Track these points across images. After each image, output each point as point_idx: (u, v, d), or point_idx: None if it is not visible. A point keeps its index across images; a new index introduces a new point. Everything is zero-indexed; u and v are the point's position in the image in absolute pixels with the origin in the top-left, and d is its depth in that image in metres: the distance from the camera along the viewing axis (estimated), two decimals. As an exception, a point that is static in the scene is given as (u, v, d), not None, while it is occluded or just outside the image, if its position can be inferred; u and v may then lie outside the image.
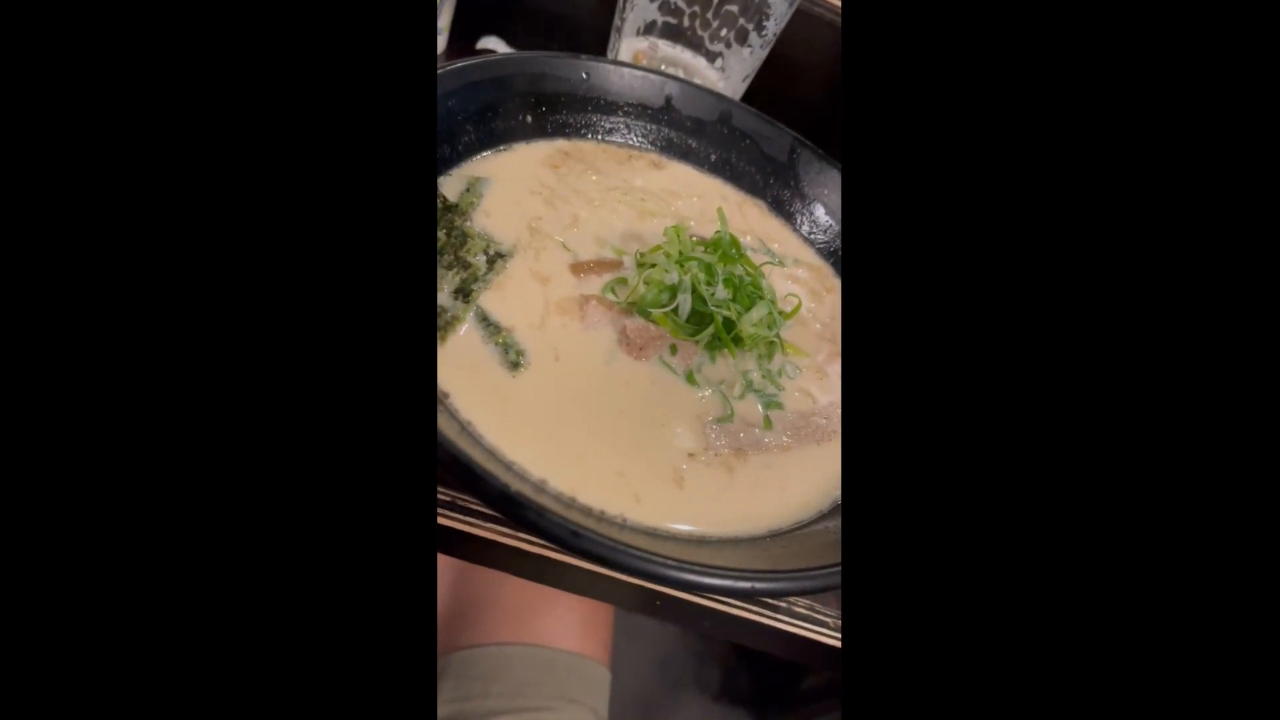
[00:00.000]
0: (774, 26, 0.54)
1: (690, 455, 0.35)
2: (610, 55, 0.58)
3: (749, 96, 0.59)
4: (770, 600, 0.43)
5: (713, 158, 0.51)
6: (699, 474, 0.35)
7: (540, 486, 0.31)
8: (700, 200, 0.49)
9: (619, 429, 0.35)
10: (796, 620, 0.43)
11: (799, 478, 0.37)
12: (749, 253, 0.45)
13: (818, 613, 0.43)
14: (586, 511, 0.31)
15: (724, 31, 0.55)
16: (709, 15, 0.56)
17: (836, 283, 0.48)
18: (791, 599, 0.43)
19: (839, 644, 0.42)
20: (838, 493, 0.37)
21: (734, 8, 0.55)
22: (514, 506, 0.26)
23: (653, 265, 0.40)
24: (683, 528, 0.33)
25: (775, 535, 0.34)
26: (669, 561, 0.26)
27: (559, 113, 0.47)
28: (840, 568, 0.29)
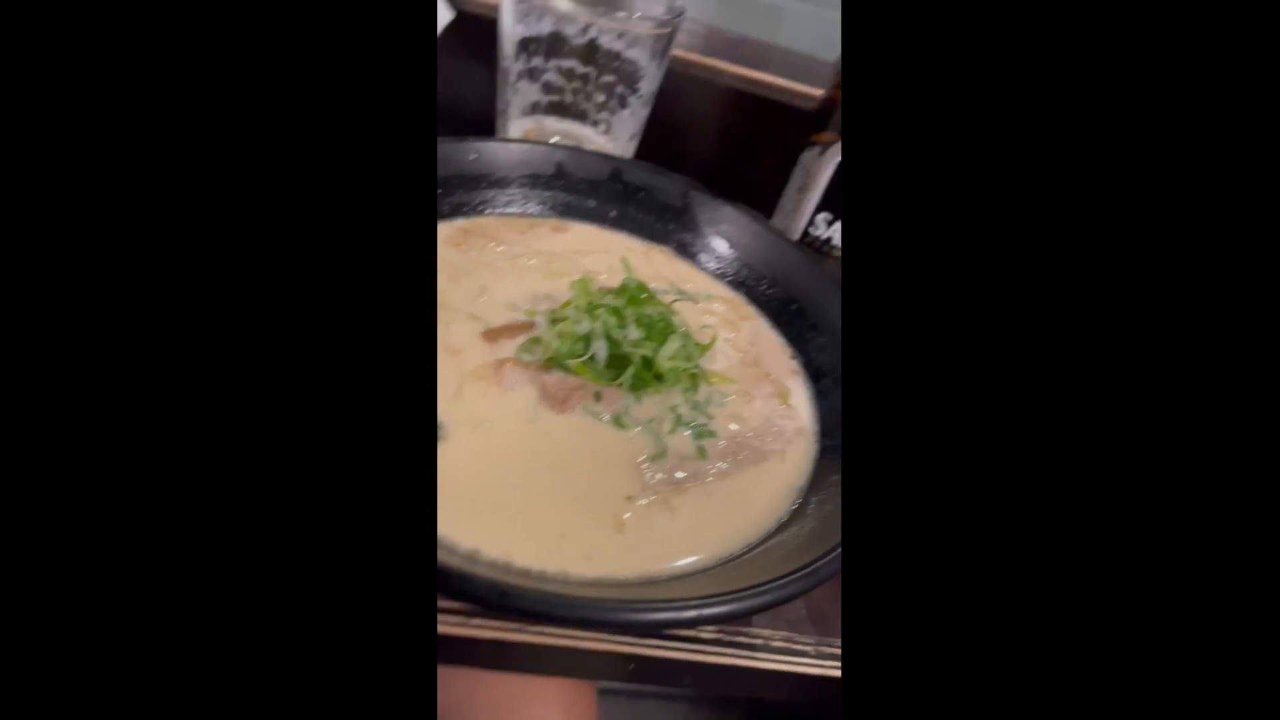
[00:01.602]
0: (648, 86, 0.57)
1: (628, 498, 0.34)
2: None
3: (640, 155, 0.62)
4: (745, 640, 0.41)
5: (612, 214, 0.53)
6: (639, 515, 0.34)
7: (472, 557, 0.30)
8: (607, 255, 0.50)
9: (550, 484, 0.34)
10: (776, 655, 0.41)
11: (742, 501, 0.36)
12: (661, 295, 0.46)
13: (796, 643, 0.42)
14: (525, 573, 0.30)
15: (604, 99, 0.58)
16: (589, 88, 0.59)
17: (750, 309, 0.50)
18: (767, 635, 0.42)
19: (821, 670, 0.40)
20: (784, 508, 0.36)
21: (610, 78, 0.58)
22: (438, 576, 0.25)
23: (564, 319, 0.40)
24: (629, 573, 0.31)
25: (725, 562, 0.33)
26: (607, 604, 0.25)
27: (453, 194, 0.48)
28: (790, 579, 0.28)
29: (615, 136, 0.60)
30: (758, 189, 0.62)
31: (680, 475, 0.36)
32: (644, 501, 0.34)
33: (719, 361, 0.44)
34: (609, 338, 0.39)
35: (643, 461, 0.36)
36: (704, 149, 0.70)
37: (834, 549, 0.29)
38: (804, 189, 0.56)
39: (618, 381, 0.39)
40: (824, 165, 0.54)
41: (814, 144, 0.55)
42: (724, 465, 0.38)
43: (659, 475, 0.36)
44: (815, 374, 0.45)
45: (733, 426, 0.40)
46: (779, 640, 0.42)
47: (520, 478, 0.34)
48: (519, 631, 0.36)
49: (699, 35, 0.78)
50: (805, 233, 0.57)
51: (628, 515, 0.34)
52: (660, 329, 0.40)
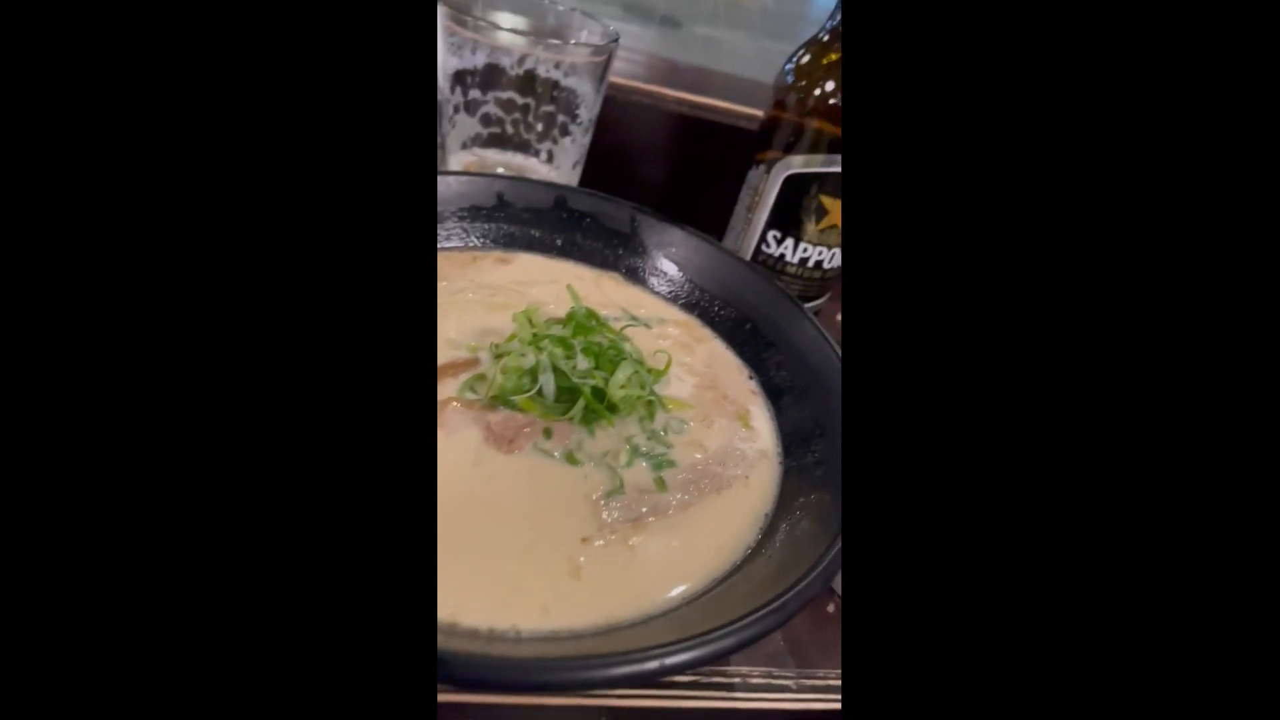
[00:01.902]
0: (587, 113, 0.56)
1: (584, 540, 0.32)
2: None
3: (587, 183, 0.61)
4: (722, 680, 0.39)
5: (558, 242, 0.51)
6: (597, 558, 0.32)
7: (412, 620, 0.27)
8: (554, 285, 0.48)
9: (498, 533, 0.32)
10: (756, 693, 0.39)
11: (705, 533, 0.34)
12: (613, 321, 0.44)
13: (776, 678, 0.39)
14: (472, 634, 0.27)
15: (544, 129, 0.57)
16: (530, 119, 0.58)
17: (705, 332, 0.48)
18: (745, 673, 0.39)
19: (804, 705, 0.38)
20: (751, 536, 0.34)
21: (550, 108, 0.57)
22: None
23: (508, 353, 0.38)
24: (588, 623, 0.29)
25: (690, 601, 0.31)
26: (559, 663, 0.23)
27: (389, 230, 0.46)
28: (758, 616, 0.26)
29: (559, 165, 0.59)
30: (707, 211, 0.61)
31: (639, 510, 0.34)
32: (601, 542, 0.32)
33: (676, 387, 0.43)
34: (556, 369, 0.37)
35: (599, 499, 0.34)
36: (651, 174, 0.69)
37: (803, 578, 0.27)
38: (752, 208, 0.55)
39: (568, 415, 0.37)
40: (771, 183, 0.53)
41: (759, 162, 0.55)
42: (685, 496, 0.36)
43: (617, 513, 0.34)
44: (774, 393, 0.44)
45: (696, 455, 0.38)
46: (758, 676, 0.39)
47: (465, 528, 0.31)
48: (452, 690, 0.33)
49: (640, 64, 0.78)
50: (758, 250, 0.56)
51: (584, 559, 0.31)
52: (610, 357, 0.38)
